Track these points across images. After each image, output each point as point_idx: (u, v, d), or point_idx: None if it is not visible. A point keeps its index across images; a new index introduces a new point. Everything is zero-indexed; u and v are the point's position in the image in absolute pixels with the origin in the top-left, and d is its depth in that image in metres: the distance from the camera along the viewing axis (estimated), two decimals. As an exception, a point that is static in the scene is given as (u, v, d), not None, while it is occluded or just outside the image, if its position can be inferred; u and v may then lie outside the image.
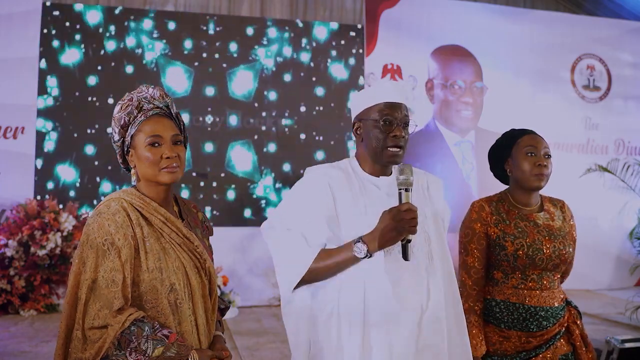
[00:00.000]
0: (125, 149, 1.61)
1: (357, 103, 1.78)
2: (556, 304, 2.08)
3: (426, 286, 1.67)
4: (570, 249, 2.13)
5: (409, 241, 1.60)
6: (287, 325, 1.76)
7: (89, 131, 6.16)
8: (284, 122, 6.74)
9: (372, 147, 1.72)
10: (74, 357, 1.45)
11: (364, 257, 1.61)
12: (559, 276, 2.15)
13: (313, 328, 1.71)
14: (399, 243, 1.63)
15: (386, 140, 1.69)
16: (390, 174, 1.76)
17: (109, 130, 6.14)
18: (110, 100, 6.20)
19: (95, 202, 6.11)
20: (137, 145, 1.57)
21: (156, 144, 1.56)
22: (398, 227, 1.57)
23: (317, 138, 6.78)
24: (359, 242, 1.61)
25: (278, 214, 1.76)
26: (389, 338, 1.61)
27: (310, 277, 1.67)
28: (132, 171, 1.61)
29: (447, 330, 1.70)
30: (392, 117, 1.69)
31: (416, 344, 1.63)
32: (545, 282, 2.08)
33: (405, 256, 1.61)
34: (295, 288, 1.70)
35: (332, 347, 1.65)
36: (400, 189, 1.60)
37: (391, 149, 1.69)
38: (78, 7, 6.21)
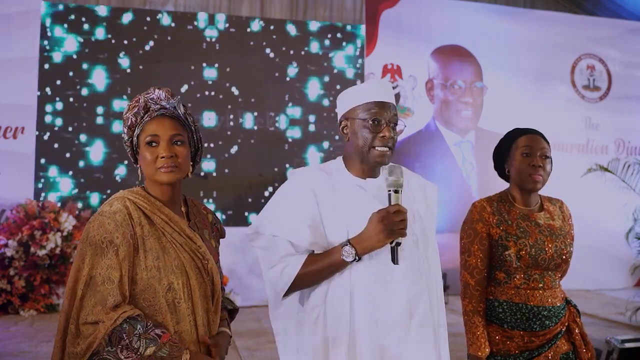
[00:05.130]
0: (134, 149, 1.63)
1: (345, 101, 1.72)
2: (558, 303, 2.08)
3: (415, 292, 1.62)
4: (571, 249, 2.14)
5: (399, 244, 1.54)
6: (275, 329, 1.74)
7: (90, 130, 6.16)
8: (283, 122, 6.74)
9: (358, 147, 1.65)
10: (67, 351, 1.46)
11: (352, 261, 1.57)
12: (559, 275, 2.15)
13: (300, 334, 1.69)
14: (388, 246, 1.58)
15: (374, 140, 1.63)
16: (378, 176, 1.70)
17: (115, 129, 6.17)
18: (112, 100, 6.21)
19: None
20: (140, 145, 1.60)
21: (153, 144, 1.58)
22: (386, 230, 1.52)
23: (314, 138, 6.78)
24: (347, 245, 1.57)
25: (263, 219, 1.71)
26: (376, 346, 1.58)
27: (299, 284, 1.63)
28: (139, 170, 1.64)
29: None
30: (381, 116, 1.63)
31: (403, 352, 1.58)
32: (547, 281, 2.08)
33: (394, 260, 1.54)
34: (285, 295, 1.67)
35: (318, 355, 1.62)
36: (390, 190, 1.56)
37: (379, 149, 1.62)
38: (78, 7, 6.21)
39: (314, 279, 1.62)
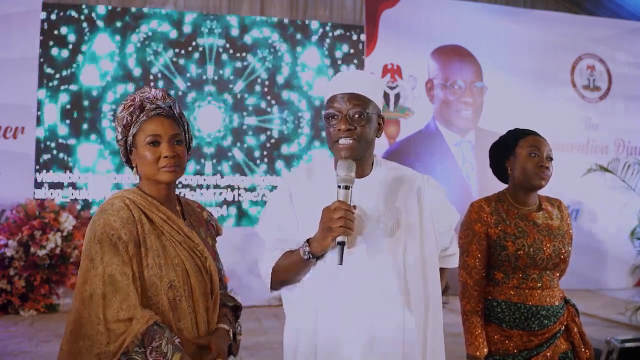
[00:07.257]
0: (129, 148, 1.63)
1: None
2: (556, 303, 2.09)
3: (384, 308, 1.53)
4: (569, 248, 2.14)
5: (342, 243, 1.46)
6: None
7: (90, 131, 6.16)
8: (283, 122, 6.74)
9: (328, 143, 1.64)
10: (97, 352, 1.43)
11: (307, 259, 1.54)
12: (558, 275, 2.15)
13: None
14: (361, 250, 1.55)
15: (335, 134, 1.57)
16: (362, 175, 1.62)
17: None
18: (111, 100, 6.21)
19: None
20: (138, 144, 1.59)
21: (155, 143, 1.58)
22: (325, 227, 1.47)
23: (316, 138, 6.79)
24: (306, 242, 1.54)
25: (262, 214, 1.76)
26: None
27: (279, 278, 1.64)
28: (134, 170, 1.64)
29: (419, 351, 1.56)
30: (334, 110, 1.57)
31: None
32: (545, 281, 2.08)
33: (339, 260, 1.46)
34: (274, 289, 1.68)
35: (290, 353, 1.65)
36: (339, 186, 1.49)
37: (340, 142, 1.55)
38: (78, 7, 6.21)
39: (289, 275, 1.62)
